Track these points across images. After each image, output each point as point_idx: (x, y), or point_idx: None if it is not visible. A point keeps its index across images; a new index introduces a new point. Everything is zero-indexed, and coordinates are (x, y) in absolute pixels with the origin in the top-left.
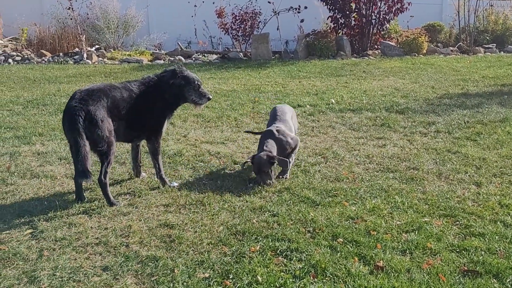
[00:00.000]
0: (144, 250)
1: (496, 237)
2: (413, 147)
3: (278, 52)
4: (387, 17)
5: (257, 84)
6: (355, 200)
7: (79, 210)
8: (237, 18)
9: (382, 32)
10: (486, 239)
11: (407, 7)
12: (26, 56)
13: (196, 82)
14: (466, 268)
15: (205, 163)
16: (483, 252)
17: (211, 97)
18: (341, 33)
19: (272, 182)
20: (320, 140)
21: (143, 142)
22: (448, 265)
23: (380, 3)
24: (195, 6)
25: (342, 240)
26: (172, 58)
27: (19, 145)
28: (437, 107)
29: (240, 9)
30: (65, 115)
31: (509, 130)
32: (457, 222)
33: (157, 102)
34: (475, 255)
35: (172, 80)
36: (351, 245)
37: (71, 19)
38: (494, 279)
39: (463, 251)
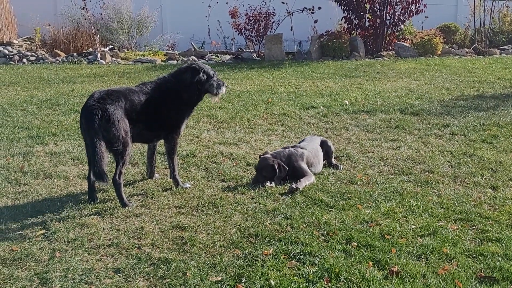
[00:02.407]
0: (156, 252)
1: None
2: (428, 149)
3: (291, 53)
4: (402, 18)
5: (270, 85)
6: (369, 203)
7: (91, 211)
8: (251, 18)
9: (397, 33)
10: (503, 244)
11: (422, 9)
12: (41, 56)
13: (204, 75)
14: (482, 274)
15: (218, 164)
16: (500, 258)
17: (226, 85)
18: (355, 34)
19: (269, 186)
20: (334, 142)
21: (160, 143)
22: (464, 271)
23: (395, 4)
24: (209, 6)
25: (356, 244)
26: (186, 58)
27: (32, 145)
28: (452, 109)
29: (254, 10)
30: (82, 114)
31: None
32: (473, 227)
33: (174, 100)
34: (492, 260)
35: (195, 78)
36: (365, 249)
37: (85, 19)
38: (511, 286)
39: (479, 257)
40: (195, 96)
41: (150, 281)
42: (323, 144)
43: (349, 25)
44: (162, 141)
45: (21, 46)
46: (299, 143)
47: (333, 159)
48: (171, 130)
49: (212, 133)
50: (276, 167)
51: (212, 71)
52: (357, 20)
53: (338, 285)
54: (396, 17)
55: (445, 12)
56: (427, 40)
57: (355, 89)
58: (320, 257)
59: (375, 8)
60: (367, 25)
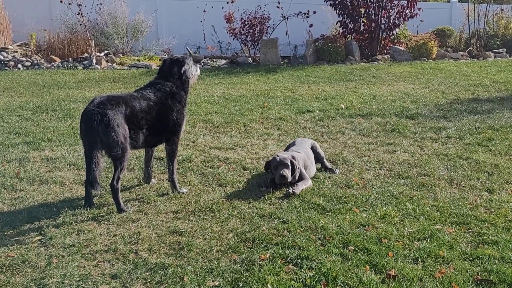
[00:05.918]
0: (153, 257)
1: (510, 245)
2: (424, 153)
3: (287, 57)
4: (397, 22)
5: (266, 89)
6: (365, 207)
7: (88, 216)
8: (246, 23)
9: (392, 37)
10: (499, 247)
11: (417, 13)
12: (36, 62)
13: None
14: (479, 277)
15: (214, 169)
16: (496, 261)
17: (203, 61)
18: (350, 37)
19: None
20: (330, 146)
21: (158, 147)
22: (461, 274)
23: (390, 8)
24: (204, 11)
25: (353, 248)
26: None
27: (28, 150)
28: (447, 113)
29: (249, 14)
30: (82, 118)
31: None
32: (470, 230)
33: (173, 100)
34: (488, 263)
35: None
36: (362, 253)
37: (80, 24)
38: None
39: (476, 260)
40: (186, 85)
41: (147, 286)
42: (312, 148)
43: (344, 29)
44: (160, 145)
45: (16, 52)
46: (290, 146)
47: (326, 162)
48: (173, 133)
49: (208, 138)
50: (289, 162)
51: (187, 58)
52: (352, 24)
53: None
54: (391, 21)
55: (439, 16)
56: (422, 44)
57: (351, 93)
58: (317, 261)
59: (370, 12)
60: (362, 29)
